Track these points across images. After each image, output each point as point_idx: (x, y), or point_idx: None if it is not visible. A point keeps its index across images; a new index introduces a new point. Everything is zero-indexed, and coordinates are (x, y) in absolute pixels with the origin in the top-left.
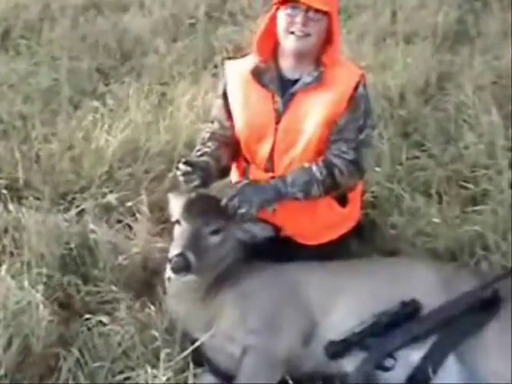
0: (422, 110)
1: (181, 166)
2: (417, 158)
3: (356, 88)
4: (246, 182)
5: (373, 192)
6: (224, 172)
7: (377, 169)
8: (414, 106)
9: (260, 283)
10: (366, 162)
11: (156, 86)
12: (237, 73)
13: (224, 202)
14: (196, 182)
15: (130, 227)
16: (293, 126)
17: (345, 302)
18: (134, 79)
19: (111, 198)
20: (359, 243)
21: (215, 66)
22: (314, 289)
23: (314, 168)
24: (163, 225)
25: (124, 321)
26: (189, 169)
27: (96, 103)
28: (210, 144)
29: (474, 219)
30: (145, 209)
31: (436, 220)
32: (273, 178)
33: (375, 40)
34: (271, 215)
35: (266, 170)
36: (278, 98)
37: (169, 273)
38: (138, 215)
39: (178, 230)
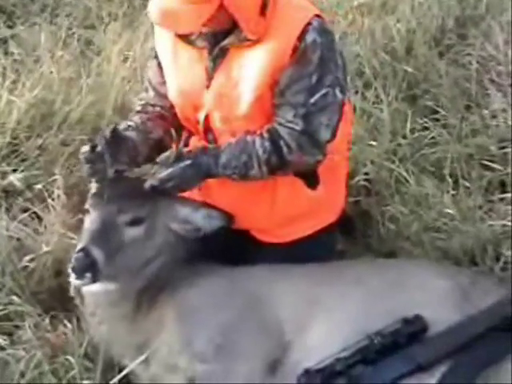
0: (435, 66)
1: (84, 148)
2: (426, 129)
3: (302, 36)
4: (188, 162)
5: (366, 174)
6: (160, 146)
7: (372, 143)
8: (424, 61)
9: (210, 294)
10: (324, 131)
11: (78, 29)
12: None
13: (149, 184)
14: (109, 171)
15: (40, 218)
16: (225, 89)
17: (325, 317)
18: (47, 20)
19: (14, 179)
20: (347, 241)
21: None
22: (284, 299)
23: (258, 142)
24: (84, 215)
25: (29, 343)
26: (96, 151)
27: None
28: (136, 117)
29: (501, 211)
30: (59, 193)
31: (450, 211)
32: (205, 149)
33: None
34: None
35: (209, 143)
36: (206, 55)
37: (72, 277)
38: (49, 202)
39: (85, 222)
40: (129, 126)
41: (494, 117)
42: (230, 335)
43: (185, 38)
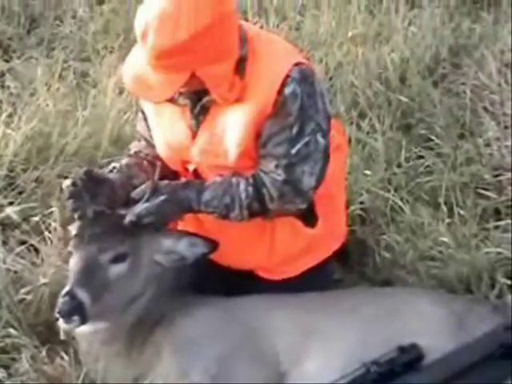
0: (429, 95)
1: (66, 182)
2: (421, 157)
3: (281, 89)
4: (163, 197)
5: (362, 203)
6: None
7: (367, 172)
8: (418, 90)
9: (206, 326)
10: (308, 180)
11: (74, 62)
12: None
13: (128, 219)
14: (88, 211)
15: (37, 250)
16: (211, 146)
17: (321, 346)
18: (44, 54)
19: (11, 212)
20: (343, 270)
21: None
22: (280, 329)
23: (242, 186)
24: None
25: (26, 375)
26: (77, 187)
27: None
28: (124, 160)
29: (496, 238)
30: (56, 225)
31: (445, 239)
32: (189, 183)
33: (368, 2)
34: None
35: None
36: (188, 112)
37: (60, 321)
38: (46, 234)
39: (70, 264)
40: (114, 167)
41: (487, 145)
42: (225, 366)
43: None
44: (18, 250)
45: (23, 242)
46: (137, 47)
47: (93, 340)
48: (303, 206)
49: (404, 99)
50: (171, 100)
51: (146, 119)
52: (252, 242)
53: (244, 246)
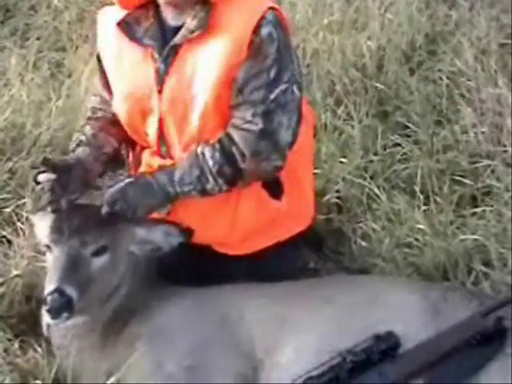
0: (406, 82)
1: (41, 177)
2: (398, 145)
3: (257, 29)
4: (127, 180)
5: (338, 191)
6: (115, 159)
7: (343, 160)
8: (394, 77)
9: (180, 316)
10: (285, 133)
11: (48, 52)
12: (109, 24)
13: (104, 210)
14: (62, 204)
15: (9, 242)
16: (179, 92)
17: (297, 335)
18: (18, 44)
19: None
20: (319, 259)
21: None
22: (254, 320)
23: (207, 154)
24: None
25: None
26: (51, 178)
27: None
28: (88, 128)
29: (472, 225)
30: (29, 217)
31: (422, 227)
32: (161, 168)
33: None
34: (168, 216)
35: (161, 156)
36: (156, 56)
37: (46, 317)
38: (19, 225)
39: (49, 259)
40: (80, 141)
41: (464, 132)
42: (200, 356)
43: (130, 35)
44: None
45: None
46: None
47: (66, 334)
48: (279, 164)
49: (380, 86)
50: (134, 40)
51: (101, 69)
52: (213, 214)
53: (206, 218)
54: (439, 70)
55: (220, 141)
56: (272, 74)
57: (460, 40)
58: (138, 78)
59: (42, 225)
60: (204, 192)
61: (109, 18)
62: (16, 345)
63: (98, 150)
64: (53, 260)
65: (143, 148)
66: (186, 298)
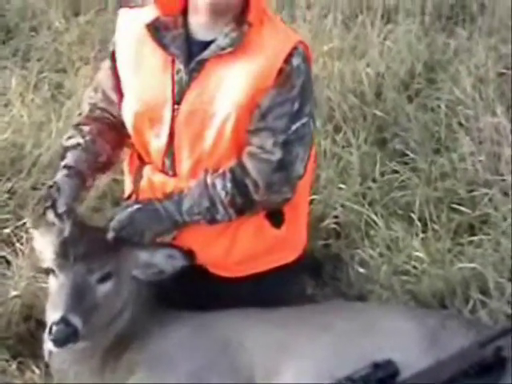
0: (404, 110)
1: (49, 215)
2: (396, 172)
3: (288, 58)
4: (135, 206)
5: (336, 217)
6: (107, 167)
7: (342, 186)
8: (393, 104)
9: (179, 341)
10: (299, 165)
11: (49, 73)
12: (130, 26)
13: (111, 235)
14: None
15: (8, 262)
16: (199, 106)
17: (295, 362)
18: (18, 65)
19: None
20: (317, 285)
21: None
22: (254, 346)
23: (219, 185)
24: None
25: None
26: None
27: None
28: (86, 130)
29: (469, 253)
30: (28, 237)
31: (419, 254)
32: (169, 195)
33: (344, 17)
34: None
35: (165, 172)
36: (180, 65)
37: (49, 345)
38: (18, 246)
39: (53, 284)
40: (78, 144)
41: (462, 160)
42: (199, 381)
43: (157, 39)
44: None
45: None
46: None
47: (66, 357)
48: (289, 196)
49: (379, 113)
50: (160, 45)
51: (113, 68)
52: (213, 236)
53: (203, 241)
54: (437, 98)
55: (232, 170)
56: (296, 105)
57: (458, 68)
58: (154, 83)
59: (43, 241)
60: (213, 221)
61: (131, 19)
62: (14, 366)
63: (93, 158)
64: (58, 286)
65: (143, 162)
66: (185, 324)
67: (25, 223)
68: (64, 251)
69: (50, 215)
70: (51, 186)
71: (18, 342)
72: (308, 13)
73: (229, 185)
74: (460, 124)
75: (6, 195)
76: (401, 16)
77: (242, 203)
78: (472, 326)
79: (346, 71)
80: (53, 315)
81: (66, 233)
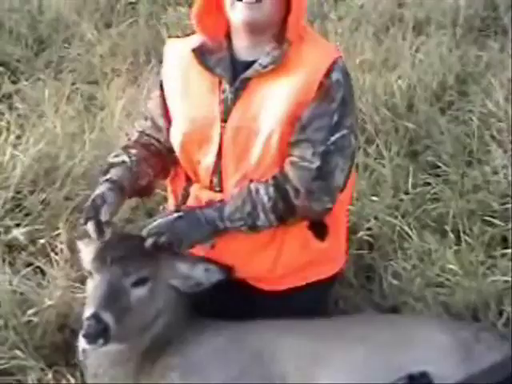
0: (436, 122)
1: (90, 226)
2: (428, 184)
3: (328, 73)
4: (176, 214)
5: (369, 229)
6: (143, 191)
7: (374, 198)
8: (425, 117)
9: (214, 351)
10: (338, 176)
11: (82, 85)
12: (177, 55)
13: (149, 242)
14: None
15: (43, 272)
16: (244, 123)
17: (330, 374)
18: (51, 76)
19: (17, 234)
20: (350, 296)
21: (161, 60)
22: (288, 356)
23: (262, 190)
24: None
25: None
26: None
27: (0, 107)
28: (133, 152)
29: (503, 266)
30: (63, 247)
31: (452, 267)
32: (210, 203)
33: (375, 29)
34: (211, 251)
35: (211, 188)
36: (226, 85)
37: (82, 342)
38: (53, 256)
39: (90, 285)
40: (123, 161)
41: (495, 173)
42: None
43: (203, 62)
44: (25, 271)
45: (30, 264)
46: None
47: (103, 361)
48: (329, 206)
49: (411, 126)
50: (206, 68)
51: (162, 96)
52: (258, 249)
53: (248, 253)
54: (470, 111)
55: (274, 178)
56: (335, 118)
57: (490, 81)
58: (202, 104)
59: (87, 251)
60: (254, 228)
61: (177, 48)
62: (49, 375)
63: (135, 179)
64: (93, 286)
65: (189, 181)
66: (220, 334)
67: (59, 234)
68: (102, 254)
69: (91, 226)
70: (94, 199)
71: (53, 351)
72: (339, 25)
73: (271, 189)
74: (492, 137)
75: (40, 206)
76: (432, 28)
77: (283, 209)
78: (506, 339)
79: (378, 84)
80: (86, 312)
81: (106, 238)
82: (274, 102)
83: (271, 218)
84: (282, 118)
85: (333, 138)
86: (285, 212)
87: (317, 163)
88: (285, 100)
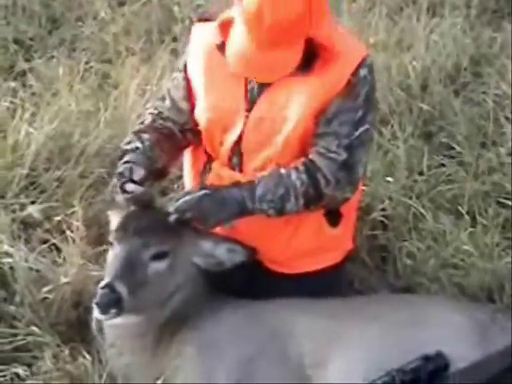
0: (451, 104)
1: (128, 186)
2: (442, 165)
3: (356, 70)
4: (203, 191)
5: (384, 210)
6: (158, 174)
7: (389, 179)
8: (439, 98)
9: (230, 328)
10: (361, 168)
11: (95, 63)
12: (204, 40)
13: (173, 217)
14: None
15: (59, 249)
16: (270, 114)
17: (345, 352)
18: (65, 54)
19: (33, 211)
20: (364, 276)
21: (174, 39)
22: (304, 335)
23: (294, 175)
24: (103, 246)
25: (49, 374)
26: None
27: (14, 84)
28: (145, 137)
29: None
30: (78, 225)
31: (467, 248)
32: (238, 183)
33: (389, 10)
34: (230, 231)
35: (232, 168)
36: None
37: (95, 312)
38: (68, 233)
39: (109, 255)
40: (137, 147)
41: (509, 154)
42: (249, 368)
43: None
44: (40, 248)
45: (45, 241)
46: (238, 35)
47: (121, 333)
48: (350, 196)
49: (425, 107)
50: None
51: (185, 80)
52: (272, 232)
53: (263, 235)
54: (484, 92)
55: (305, 164)
56: (360, 113)
57: (504, 63)
58: (227, 92)
59: (115, 220)
60: (281, 211)
61: (204, 33)
62: (66, 351)
63: (150, 163)
64: (112, 256)
65: (210, 158)
66: (237, 311)
67: (74, 211)
68: (125, 225)
69: (130, 186)
70: (121, 173)
71: (68, 327)
72: (353, 6)
73: (303, 176)
74: (507, 118)
75: (55, 183)
76: (446, 9)
77: (313, 196)
78: None
79: (392, 64)
80: (102, 282)
81: (131, 209)
82: (300, 96)
83: (301, 202)
84: (308, 113)
85: (357, 133)
86: (313, 199)
87: (343, 156)
88: (312, 97)
